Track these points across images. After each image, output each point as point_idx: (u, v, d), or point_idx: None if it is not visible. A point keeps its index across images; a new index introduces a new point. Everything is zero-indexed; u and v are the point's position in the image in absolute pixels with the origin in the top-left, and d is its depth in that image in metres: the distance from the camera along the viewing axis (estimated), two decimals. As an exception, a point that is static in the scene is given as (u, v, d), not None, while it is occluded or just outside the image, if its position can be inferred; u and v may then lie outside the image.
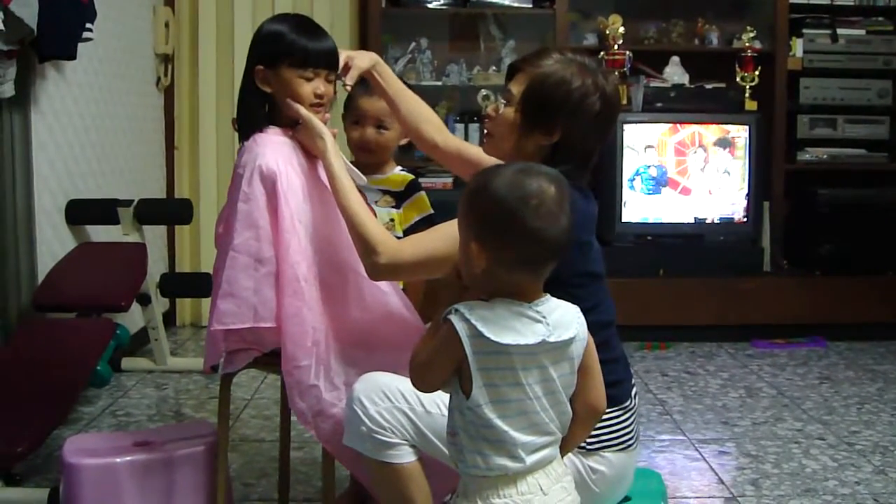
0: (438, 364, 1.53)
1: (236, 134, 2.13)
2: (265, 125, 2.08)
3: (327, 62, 2.07)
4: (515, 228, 1.48)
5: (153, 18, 4.68)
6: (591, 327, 1.63)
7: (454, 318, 1.49)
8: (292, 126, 2.09)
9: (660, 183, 4.77)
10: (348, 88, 2.20)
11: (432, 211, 2.50)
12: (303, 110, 2.05)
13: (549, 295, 1.55)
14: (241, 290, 1.99)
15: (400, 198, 2.51)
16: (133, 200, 3.85)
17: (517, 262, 1.51)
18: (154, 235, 4.48)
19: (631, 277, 4.59)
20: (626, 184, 4.69)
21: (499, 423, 1.49)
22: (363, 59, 2.22)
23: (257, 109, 2.09)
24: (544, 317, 1.53)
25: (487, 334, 1.47)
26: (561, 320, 1.55)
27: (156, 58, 4.76)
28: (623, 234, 4.73)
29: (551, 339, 1.52)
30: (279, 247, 1.99)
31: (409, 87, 2.44)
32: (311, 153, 2.10)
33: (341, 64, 2.14)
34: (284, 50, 2.03)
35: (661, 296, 4.73)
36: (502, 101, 1.97)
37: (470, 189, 1.55)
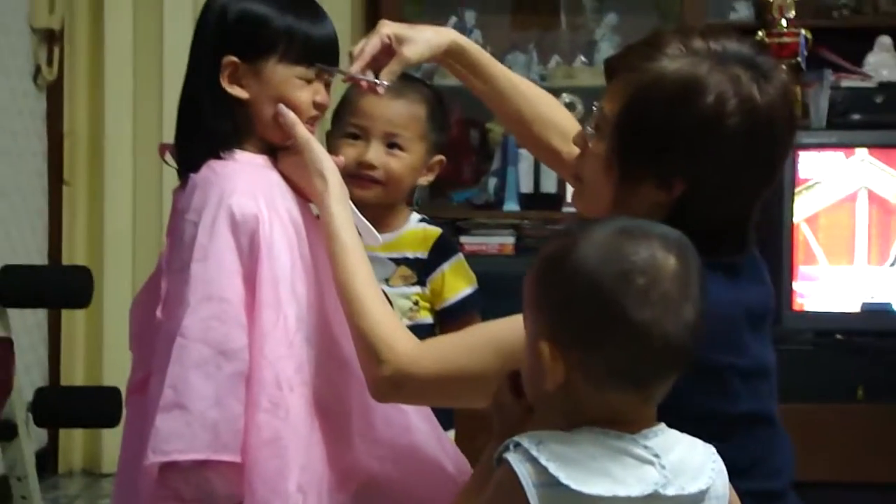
0: None
1: (164, 163, 2.07)
2: (230, 147, 1.91)
3: (331, 55, 1.97)
4: (610, 322, 1.37)
5: (29, -28, 4.42)
6: (748, 500, 1.58)
7: (513, 459, 1.38)
8: (271, 151, 1.97)
9: (856, 246, 4.11)
10: (382, 91, 2.00)
11: (476, 285, 2.41)
12: (300, 127, 1.91)
13: (663, 424, 1.46)
14: (195, 400, 1.79)
15: (424, 268, 2.32)
16: (-8, 268, 3.71)
17: (612, 375, 1.39)
18: (26, 326, 4.15)
19: (808, 402, 3.85)
20: (800, 248, 4.09)
21: None
22: (417, 46, 1.99)
23: (221, 123, 1.91)
24: (657, 455, 1.40)
25: (566, 481, 1.36)
26: (684, 463, 1.43)
27: (32, 35, 4.28)
28: (795, 330, 4.06)
29: (668, 492, 1.40)
30: (254, 332, 1.82)
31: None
32: (302, 193, 1.99)
33: (374, 45, 1.99)
34: (275, 35, 1.90)
35: (860, 433, 3.99)
36: (589, 128, 1.81)
37: (544, 258, 1.47)
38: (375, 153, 2.29)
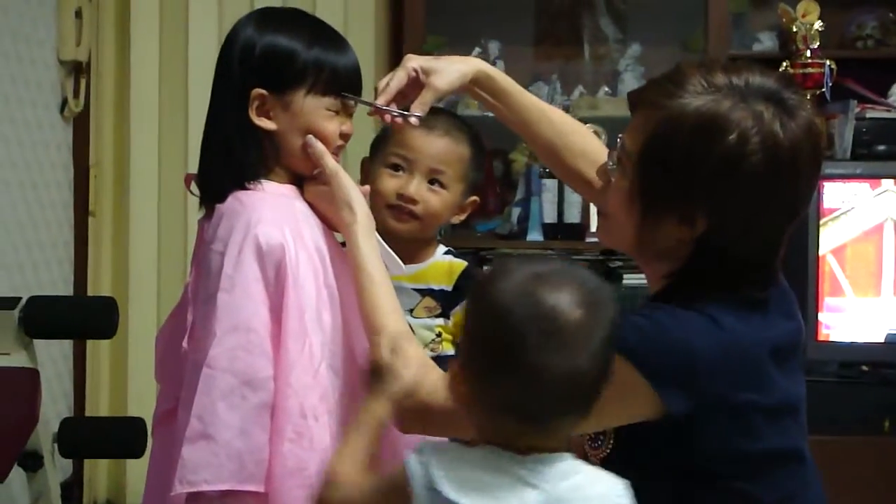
0: None
1: (190, 193, 2.06)
2: (257, 178, 1.96)
3: (356, 85, 2.02)
4: (506, 360, 1.42)
5: (57, 5, 4.18)
6: None
7: (412, 460, 1.48)
8: (296, 180, 2.01)
9: (882, 277, 4.11)
10: (416, 122, 2.03)
11: None
12: (329, 158, 1.96)
13: (568, 455, 1.48)
14: (221, 430, 1.81)
15: (448, 300, 2.32)
16: (19, 299, 3.34)
17: (502, 408, 1.45)
18: (52, 357, 4.10)
19: (833, 434, 3.77)
20: (826, 279, 4.11)
21: None
22: (446, 75, 2.02)
23: (248, 154, 1.94)
24: (545, 480, 1.44)
25: (444, 490, 1.43)
26: (576, 492, 1.45)
27: (59, 67, 4.23)
28: (821, 361, 4.08)
29: None
30: (279, 362, 1.84)
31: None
32: (329, 223, 2.03)
33: (399, 79, 2.02)
34: (303, 69, 1.93)
35: (887, 466, 3.89)
36: (610, 162, 1.82)
37: (474, 286, 1.56)
38: (417, 188, 2.29)
